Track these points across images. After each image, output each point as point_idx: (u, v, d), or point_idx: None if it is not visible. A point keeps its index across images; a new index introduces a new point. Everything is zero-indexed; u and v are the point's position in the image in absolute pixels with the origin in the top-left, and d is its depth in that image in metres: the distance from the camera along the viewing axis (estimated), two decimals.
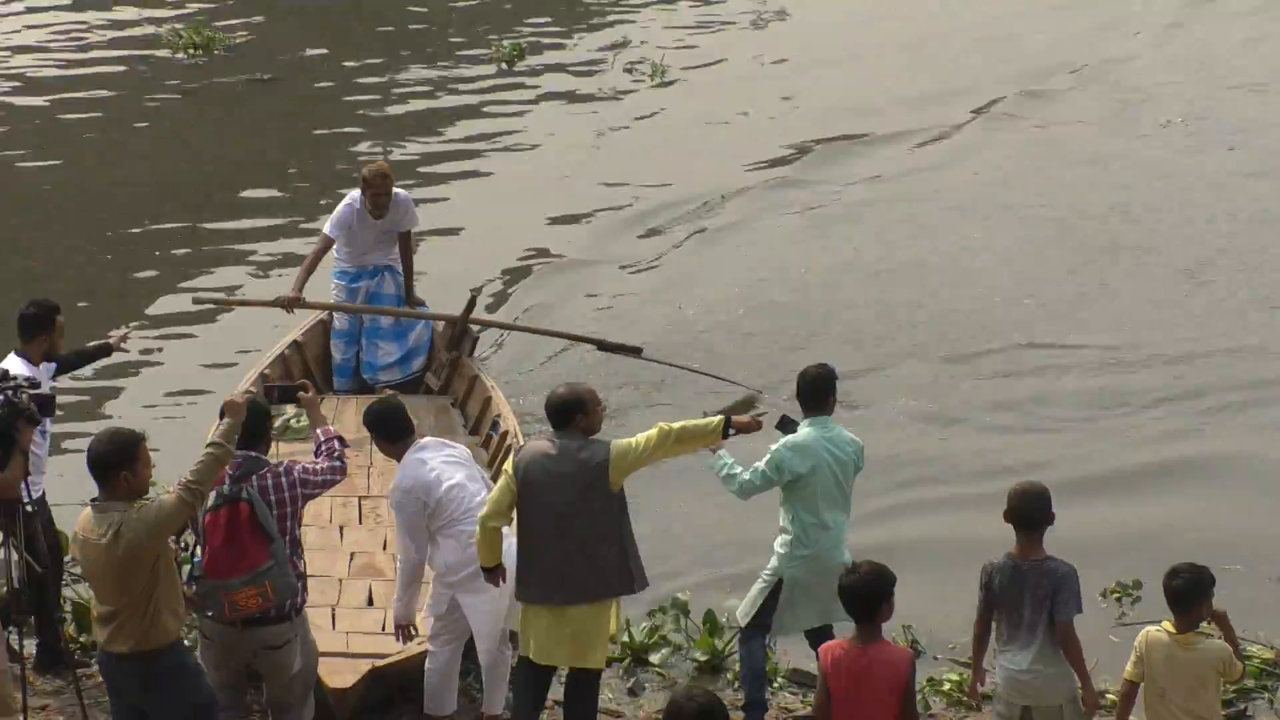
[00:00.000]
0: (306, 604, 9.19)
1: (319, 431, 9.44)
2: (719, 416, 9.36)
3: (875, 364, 15.42)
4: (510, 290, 17.34)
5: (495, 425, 12.86)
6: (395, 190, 13.61)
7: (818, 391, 9.90)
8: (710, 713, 6.85)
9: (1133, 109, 22.27)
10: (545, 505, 9.09)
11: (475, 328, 14.23)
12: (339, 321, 13.95)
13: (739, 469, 9.88)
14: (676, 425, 9.28)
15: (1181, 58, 24.23)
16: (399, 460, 9.73)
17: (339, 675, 9.61)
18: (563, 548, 9.09)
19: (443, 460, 9.68)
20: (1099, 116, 22.07)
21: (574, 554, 9.10)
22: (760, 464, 9.85)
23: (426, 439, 9.99)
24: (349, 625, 10.42)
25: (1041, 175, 20.13)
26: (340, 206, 13.66)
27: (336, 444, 9.30)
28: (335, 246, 13.76)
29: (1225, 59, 24.08)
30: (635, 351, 14.65)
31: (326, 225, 13.73)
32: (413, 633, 9.84)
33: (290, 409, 12.30)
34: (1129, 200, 19.11)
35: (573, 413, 9.21)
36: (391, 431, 9.81)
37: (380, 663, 9.82)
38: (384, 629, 10.31)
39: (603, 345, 14.76)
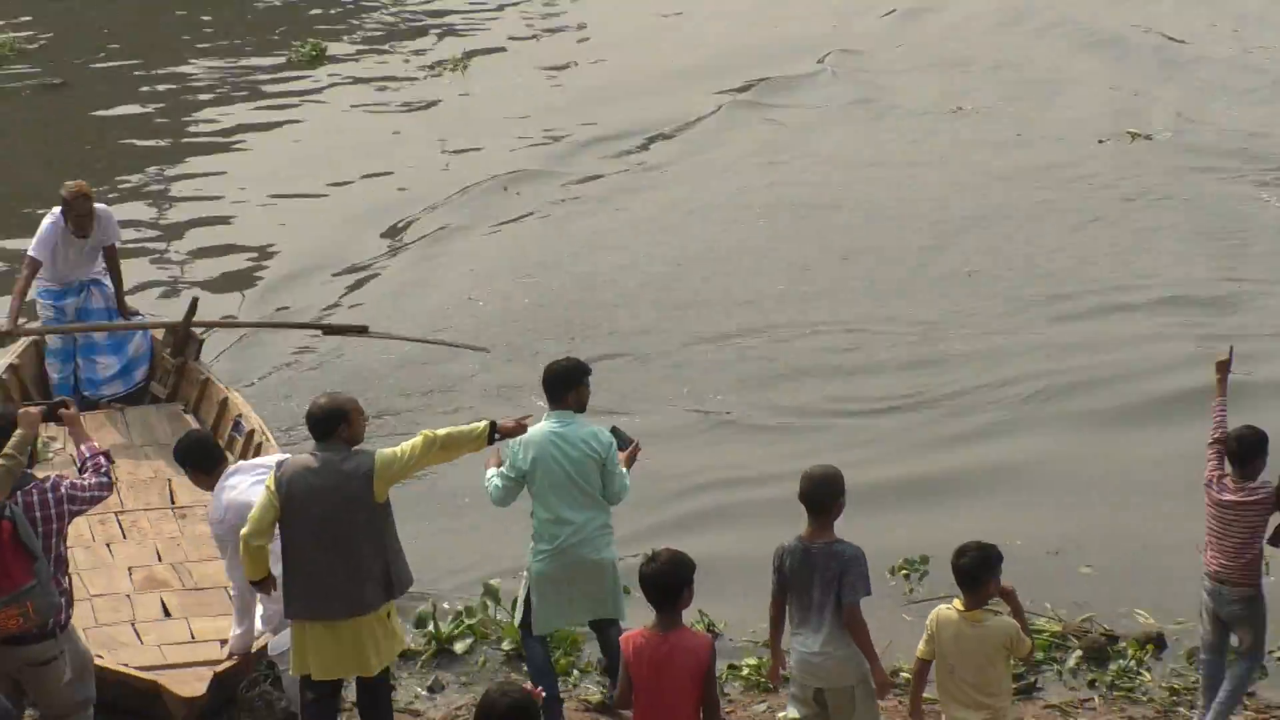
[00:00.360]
0: (102, 624, 9.20)
1: (84, 447, 9.42)
2: (484, 422, 9.48)
3: (650, 357, 15.80)
4: (262, 291, 17.48)
5: (238, 426, 12.95)
6: (96, 206, 13.61)
7: (557, 386, 10.10)
8: (523, 708, 7.06)
9: (888, 95, 23.04)
10: (308, 520, 9.15)
11: (201, 331, 14.28)
12: (52, 340, 13.84)
13: (496, 479, 10.12)
14: (441, 432, 9.39)
15: (937, 42, 25.25)
16: (212, 491, 9.93)
17: (186, 685, 9.73)
18: (327, 561, 9.15)
19: (251, 482, 9.80)
20: (853, 103, 22.81)
21: (338, 567, 9.16)
22: (501, 466, 10.11)
23: (239, 463, 10.21)
24: (156, 638, 10.55)
25: (803, 164, 20.72)
26: (43, 226, 13.57)
27: (103, 460, 9.31)
28: None
29: (979, 44, 25.08)
30: (361, 330, 14.73)
31: (30, 247, 13.61)
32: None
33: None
34: (905, 193, 19.72)
35: (334, 423, 9.28)
36: (203, 462, 10.07)
37: (220, 668, 9.96)
38: (193, 636, 10.54)
39: (328, 329, 14.92)
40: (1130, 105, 22.25)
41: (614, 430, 10.34)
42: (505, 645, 11.25)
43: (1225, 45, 24.73)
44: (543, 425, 10.05)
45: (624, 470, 10.18)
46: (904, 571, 12.17)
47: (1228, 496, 9.72)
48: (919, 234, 18.50)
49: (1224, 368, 10.22)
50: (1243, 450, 9.71)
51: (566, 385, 10.08)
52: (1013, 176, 20.08)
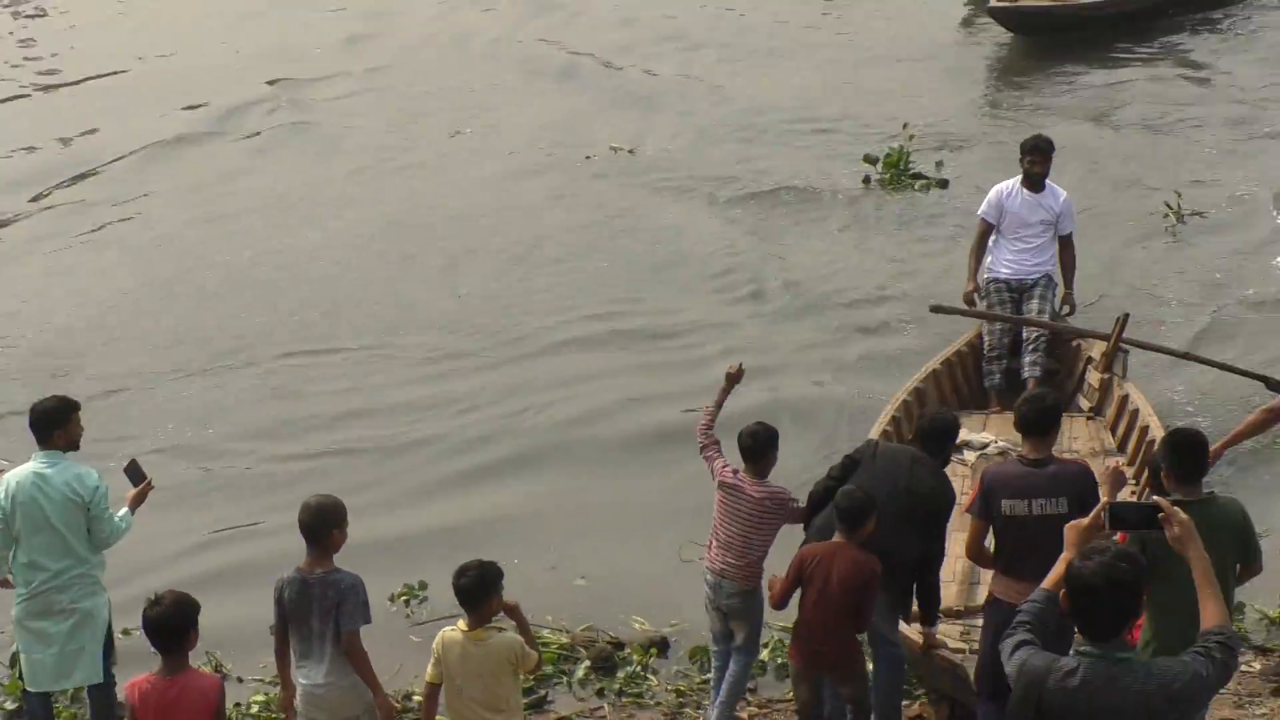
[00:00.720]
0: None
1: None
2: None
3: (135, 398, 15.80)
4: None
5: None
6: None
7: (43, 425, 10.03)
8: None
9: (344, 119, 23.57)
10: None
11: None
12: None
13: None
14: None
15: (395, 66, 25.86)
16: None
17: None
18: None
19: None
20: (302, 127, 23.36)
21: None
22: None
23: None
24: None
25: (264, 192, 21.01)
26: None
27: None
28: None
29: (440, 67, 25.83)
30: None
31: None
32: None
33: None
34: (384, 219, 20.13)
35: None
36: None
37: None
38: None
39: None
40: (600, 126, 23.04)
41: (130, 463, 10.32)
42: (8, 704, 11.09)
43: (668, 65, 25.81)
44: (28, 465, 9.96)
45: (123, 512, 10.15)
46: (404, 598, 12.44)
47: (747, 492, 10.25)
48: (403, 261, 18.88)
49: (732, 379, 10.78)
50: (757, 446, 10.28)
51: (52, 424, 9.99)
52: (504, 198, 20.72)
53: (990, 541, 9.79)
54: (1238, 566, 8.91)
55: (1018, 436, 12.45)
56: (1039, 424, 9.75)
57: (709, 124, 23.10)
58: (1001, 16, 25.59)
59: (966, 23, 27.55)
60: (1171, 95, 23.63)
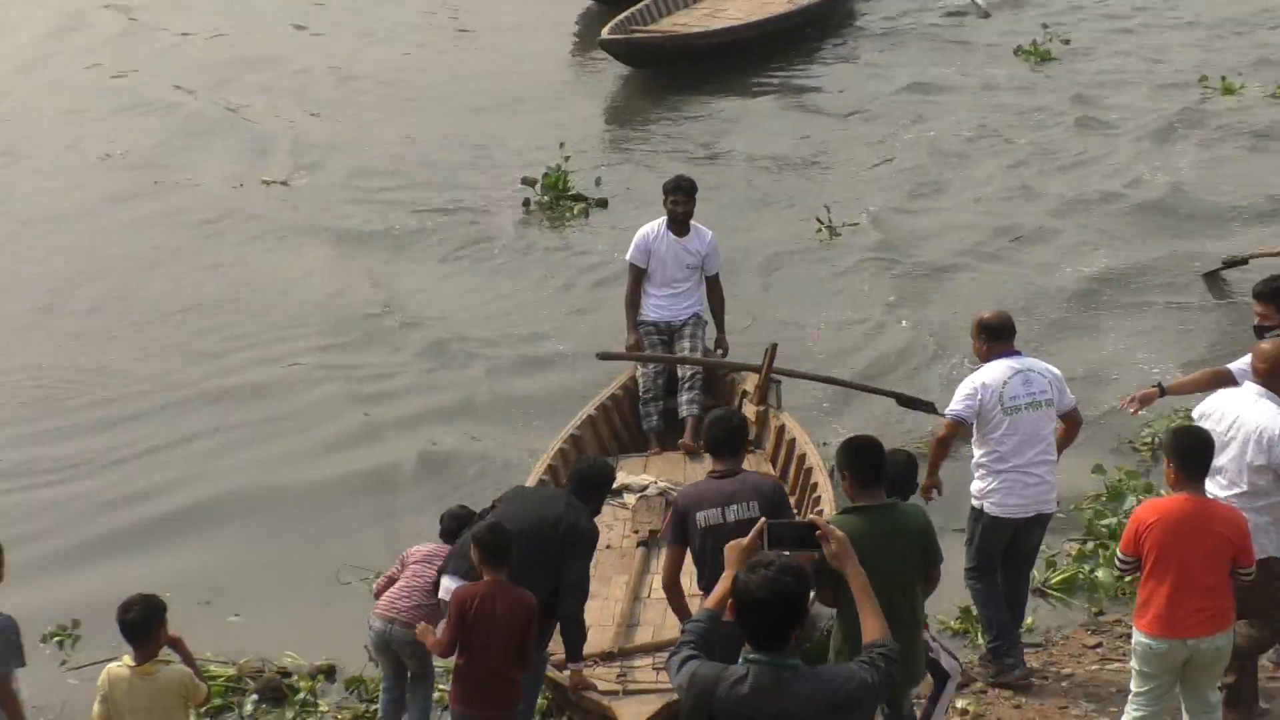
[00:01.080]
0: None
1: None
2: None
3: None
4: None
5: None
6: None
7: None
8: None
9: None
10: None
11: None
12: None
13: None
14: None
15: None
16: None
17: None
18: None
19: None
20: None
21: None
22: None
23: None
24: None
25: None
26: None
27: None
28: None
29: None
30: None
31: None
32: None
33: None
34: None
35: None
36: None
37: None
38: None
39: None
40: (229, 162, 22.97)
41: None
42: None
43: (286, 98, 25.70)
44: None
45: None
46: (57, 638, 12.40)
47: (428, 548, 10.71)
48: (18, 310, 18.59)
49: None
50: (459, 528, 10.67)
51: None
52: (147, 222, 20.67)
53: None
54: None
55: (679, 476, 13.04)
56: (729, 442, 10.13)
57: (346, 159, 23.11)
58: (613, 48, 25.85)
59: (580, 52, 27.99)
60: (799, 119, 24.49)
